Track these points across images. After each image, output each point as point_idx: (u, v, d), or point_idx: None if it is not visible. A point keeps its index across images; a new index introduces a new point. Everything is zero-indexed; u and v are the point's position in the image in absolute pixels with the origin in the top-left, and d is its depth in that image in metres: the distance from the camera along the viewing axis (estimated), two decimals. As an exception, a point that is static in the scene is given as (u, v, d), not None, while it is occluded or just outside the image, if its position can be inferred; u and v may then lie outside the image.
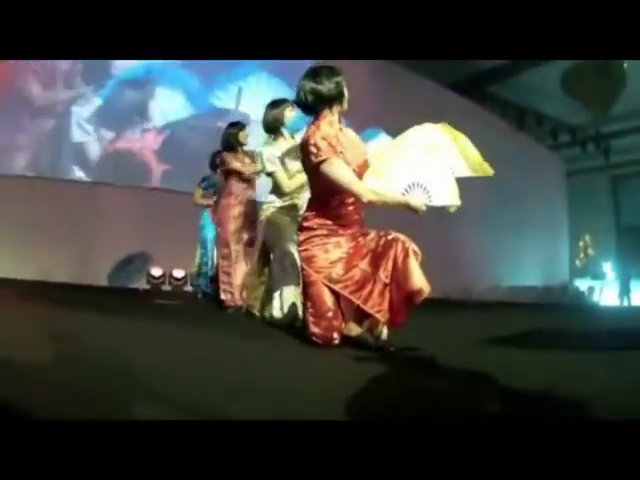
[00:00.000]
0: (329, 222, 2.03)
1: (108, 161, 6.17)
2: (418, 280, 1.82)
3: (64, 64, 5.91)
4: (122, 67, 6.26)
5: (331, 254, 1.99)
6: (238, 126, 3.67)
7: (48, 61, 5.69)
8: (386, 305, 1.88)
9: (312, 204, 2.12)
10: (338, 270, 1.96)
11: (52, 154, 5.93)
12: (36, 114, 5.81)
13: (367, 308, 1.89)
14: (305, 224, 2.08)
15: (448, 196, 2.00)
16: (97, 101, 6.14)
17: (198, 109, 6.82)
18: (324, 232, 2.03)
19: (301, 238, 2.09)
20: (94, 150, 6.10)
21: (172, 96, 6.63)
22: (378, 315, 1.89)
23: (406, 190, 1.95)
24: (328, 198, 2.03)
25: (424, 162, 1.97)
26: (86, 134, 6.05)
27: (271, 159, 2.84)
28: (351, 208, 2.05)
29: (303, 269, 2.06)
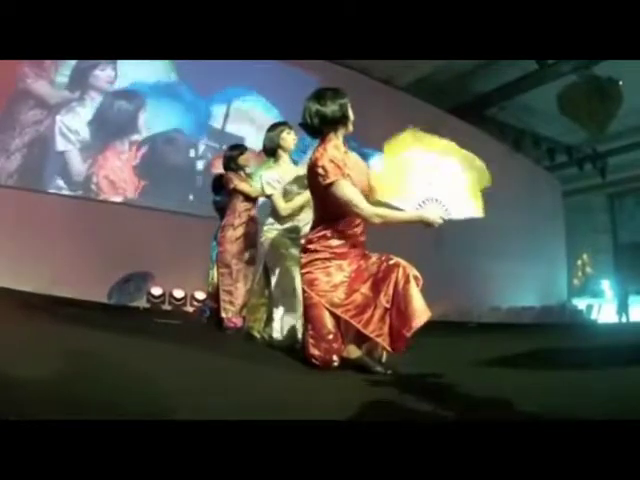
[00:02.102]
0: (333, 244, 2.04)
1: (91, 172, 6.05)
2: (419, 306, 1.83)
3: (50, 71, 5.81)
4: (108, 79, 6.20)
5: (333, 277, 2.01)
6: (239, 149, 3.71)
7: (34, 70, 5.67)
8: (386, 329, 1.89)
9: (317, 226, 2.11)
10: (339, 294, 1.97)
11: (35, 163, 5.75)
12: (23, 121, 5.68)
13: (368, 332, 1.89)
14: (308, 246, 2.10)
15: (468, 208, 2.01)
16: (82, 112, 6.01)
17: (182, 125, 6.67)
18: (326, 255, 2.04)
19: (303, 260, 2.10)
20: (77, 161, 5.99)
21: (157, 111, 6.47)
22: (379, 339, 1.89)
23: (420, 205, 1.97)
24: (334, 220, 2.04)
25: (433, 179, 2.01)
26: (70, 144, 5.97)
27: (270, 182, 2.87)
28: (357, 230, 2.07)
29: (304, 291, 2.07)
